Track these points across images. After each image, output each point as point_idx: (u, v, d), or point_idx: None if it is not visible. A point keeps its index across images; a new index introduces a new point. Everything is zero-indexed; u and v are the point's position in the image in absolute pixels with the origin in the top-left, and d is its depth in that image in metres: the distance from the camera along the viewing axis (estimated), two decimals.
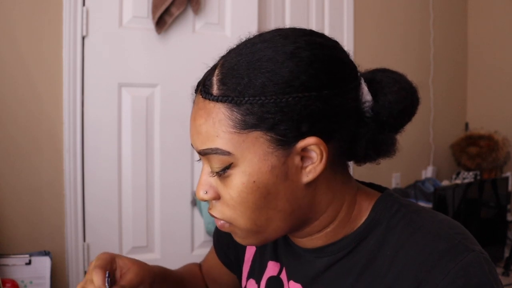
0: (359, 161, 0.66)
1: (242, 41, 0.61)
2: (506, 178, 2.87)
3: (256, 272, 0.76)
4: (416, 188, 2.81)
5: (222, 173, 0.58)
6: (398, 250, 0.59)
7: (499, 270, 2.60)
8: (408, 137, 2.81)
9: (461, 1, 3.45)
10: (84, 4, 1.93)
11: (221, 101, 0.56)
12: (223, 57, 0.60)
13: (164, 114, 2.09)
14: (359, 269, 0.62)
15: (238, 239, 0.64)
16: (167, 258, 2.07)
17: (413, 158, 3.15)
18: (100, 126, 1.99)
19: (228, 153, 0.56)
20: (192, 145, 0.62)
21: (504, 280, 2.50)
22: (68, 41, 1.90)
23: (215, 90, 0.57)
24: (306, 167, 0.58)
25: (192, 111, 0.61)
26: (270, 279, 0.73)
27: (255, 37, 0.61)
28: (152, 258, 2.08)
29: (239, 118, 0.55)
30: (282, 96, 0.55)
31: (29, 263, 1.74)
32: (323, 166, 0.58)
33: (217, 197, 0.61)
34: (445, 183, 2.94)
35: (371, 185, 0.73)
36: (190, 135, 0.61)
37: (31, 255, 1.76)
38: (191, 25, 2.12)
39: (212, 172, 0.59)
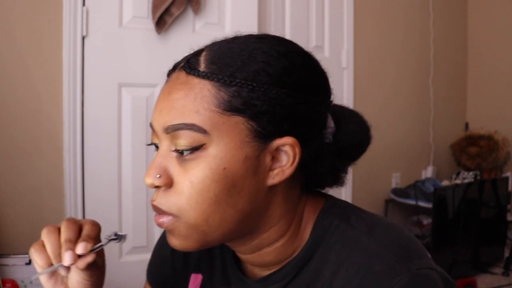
0: (315, 184, 0.64)
1: (229, 36, 0.60)
2: (506, 178, 2.87)
3: None
4: (416, 188, 2.81)
5: (189, 153, 0.54)
6: (336, 271, 0.57)
7: (499, 270, 2.60)
8: (408, 137, 2.84)
9: (461, 1, 3.45)
10: (84, 4, 1.93)
11: (209, 78, 0.54)
12: (208, 45, 0.59)
13: None
14: None
15: (175, 240, 0.58)
16: None
17: (413, 158, 3.15)
18: (100, 126, 1.99)
19: (204, 131, 0.53)
20: (152, 123, 0.57)
21: (504, 280, 2.49)
22: (68, 41, 1.90)
23: (202, 67, 0.55)
24: (274, 169, 0.57)
25: (164, 87, 0.58)
26: None
27: (246, 34, 0.60)
28: None
29: (225, 99, 0.53)
30: (273, 88, 0.54)
31: (29, 263, 1.74)
32: (292, 170, 0.57)
33: (170, 184, 0.55)
34: (445, 183, 2.94)
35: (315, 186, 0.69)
36: (156, 112, 0.56)
37: None
38: (191, 25, 2.12)
39: (176, 151, 0.55)
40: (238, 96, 0.54)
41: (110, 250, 2.23)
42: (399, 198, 2.88)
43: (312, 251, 0.60)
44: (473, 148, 3.09)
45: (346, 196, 2.75)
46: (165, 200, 0.56)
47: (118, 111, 2.02)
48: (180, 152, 0.54)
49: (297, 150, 0.56)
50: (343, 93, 2.72)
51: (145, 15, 2.03)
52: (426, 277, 0.54)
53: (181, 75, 0.56)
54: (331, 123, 0.62)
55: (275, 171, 0.57)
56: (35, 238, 2.00)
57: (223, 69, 0.54)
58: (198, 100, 0.54)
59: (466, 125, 3.44)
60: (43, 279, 0.60)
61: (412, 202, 2.82)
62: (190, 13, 2.09)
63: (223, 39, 0.59)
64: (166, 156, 0.56)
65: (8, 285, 1.65)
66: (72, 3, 1.89)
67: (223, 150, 0.54)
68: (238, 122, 0.54)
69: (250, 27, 2.21)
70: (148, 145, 0.61)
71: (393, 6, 2.97)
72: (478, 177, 3.01)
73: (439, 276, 0.56)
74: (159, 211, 0.57)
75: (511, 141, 3.08)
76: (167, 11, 1.99)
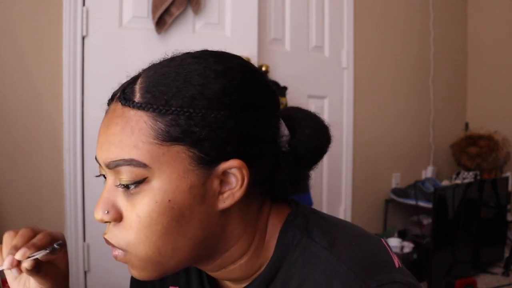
0: (276, 195, 0.62)
1: (167, 57, 0.58)
2: (506, 178, 2.87)
3: None
4: (416, 188, 2.81)
5: (133, 187, 0.53)
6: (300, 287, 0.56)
7: (499, 270, 2.60)
8: (408, 137, 2.84)
9: (461, 1, 3.46)
10: (84, 4, 1.93)
11: (144, 108, 0.52)
12: (145, 70, 0.58)
13: None
14: None
15: (134, 271, 0.57)
16: None
17: (413, 158, 3.15)
18: (100, 126, 1.99)
19: (144, 165, 0.52)
20: (96, 157, 0.56)
21: (504, 280, 2.49)
22: (68, 41, 1.90)
23: (137, 97, 0.53)
24: (223, 192, 0.55)
25: (103, 120, 0.56)
26: None
27: (183, 54, 0.58)
28: None
29: (163, 129, 0.52)
30: (211, 112, 0.52)
31: None
32: (242, 192, 0.55)
33: (119, 219, 0.55)
34: (445, 183, 2.94)
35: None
36: (98, 147, 0.55)
37: None
38: (191, 25, 2.12)
39: (120, 185, 0.54)
40: (176, 124, 0.52)
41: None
42: (399, 198, 2.88)
43: (278, 267, 0.59)
44: (473, 148, 3.10)
45: (346, 196, 2.75)
46: (114, 235, 0.55)
47: None
48: (126, 186, 0.53)
49: (245, 172, 0.54)
50: (343, 93, 2.72)
51: (145, 15, 2.03)
52: None
53: (118, 107, 0.54)
54: (285, 131, 0.60)
55: (225, 195, 0.55)
56: None
57: (158, 98, 0.52)
58: (136, 134, 0.52)
59: (466, 125, 3.44)
60: (9, 278, 0.63)
61: (412, 202, 2.82)
62: (190, 13, 2.09)
63: (160, 61, 0.58)
64: (112, 190, 0.55)
65: (7, 285, 1.65)
66: (72, 3, 1.89)
67: (166, 181, 0.52)
68: (179, 151, 0.52)
69: (250, 27, 2.21)
70: (97, 176, 0.59)
71: (393, 6, 2.97)
72: (478, 177, 3.01)
73: (404, 287, 0.54)
74: (110, 245, 0.57)
75: (511, 141, 3.09)
76: (167, 11, 1.99)
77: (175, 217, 0.53)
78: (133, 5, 2.01)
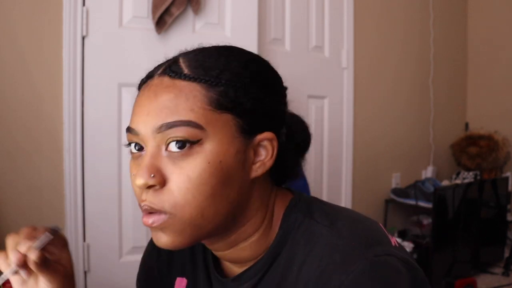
0: (281, 177, 0.69)
1: (195, 48, 0.64)
2: (506, 178, 2.87)
3: None
4: (416, 188, 2.81)
5: (185, 150, 0.56)
6: (301, 266, 0.60)
7: (499, 270, 2.60)
8: (408, 137, 2.84)
9: (461, 1, 3.46)
10: (84, 4, 1.93)
11: (196, 80, 0.57)
12: (180, 54, 0.63)
13: None
14: (275, 286, 0.63)
15: (167, 238, 0.59)
16: None
17: (413, 158, 3.15)
18: (100, 126, 1.99)
19: (200, 127, 0.56)
20: (133, 127, 0.59)
21: (504, 280, 2.49)
22: (68, 41, 1.90)
23: (187, 71, 0.58)
24: (256, 162, 0.61)
25: (144, 93, 0.60)
26: None
27: (213, 46, 0.64)
28: None
29: (215, 98, 0.57)
30: (253, 88, 0.60)
31: None
32: (272, 162, 0.61)
33: (163, 183, 0.57)
34: (445, 183, 2.94)
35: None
36: (140, 115, 0.58)
37: None
38: (191, 25, 2.12)
39: (167, 151, 0.56)
40: (226, 95, 0.58)
41: (110, 250, 2.24)
42: (399, 198, 2.88)
43: (281, 247, 0.63)
44: (473, 148, 3.10)
45: (346, 196, 2.75)
46: (158, 199, 0.57)
47: (118, 111, 2.02)
48: (173, 151, 0.56)
49: (275, 143, 0.61)
50: (343, 93, 2.72)
51: (145, 15, 2.03)
52: (384, 263, 0.56)
53: (165, 79, 0.59)
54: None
55: (257, 165, 0.61)
56: None
57: (208, 72, 0.58)
58: (191, 100, 0.57)
59: (466, 125, 3.44)
60: (16, 286, 0.63)
61: (412, 202, 2.82)
62: (190, 13, 2.09)
63: (192, 49, 0.64)
64: (156, 156, 0.57)
65: (8, 285, 1.65)
66: (72, 3, 1.89)
67: (218, 144, 0.57)
68: (228, 120, 0.58)
69: (250, 27, 2.21)
70: (126, 145, 0.62)
71: (393, 6, 2.97)
72: (478, 177, 3.01)
73: (400, 261, 0.57)
74: (151, 211, 0.58)
75: (511, 141, 3.08)
76: (167, 11, 1.99)
77: (222, 179, 0.57)
78: (133, 5, 2.01)
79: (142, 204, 0.58)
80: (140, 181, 0.56)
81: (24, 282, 0.62)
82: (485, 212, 2.69)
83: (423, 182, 2.87)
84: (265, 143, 0.61)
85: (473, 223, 2.57)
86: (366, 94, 2.82)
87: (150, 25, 2.01)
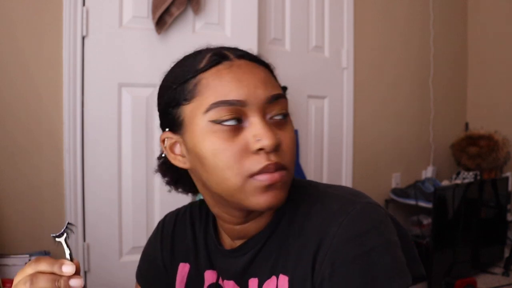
0: None
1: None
2: (506, 178, 2.87)
3: (196, 286, 0.78)
4: (416, 188, 2.81)
5: (284, 117, 0.66)
6: (302, 223, 0.67)
7: (499, 270, 2.60)
8: (408, 137, 2.84)
9: (461, 1, 3.46)
10: (84, 4, 1.93)
11: (267, 67, 0.70)
12: (229, 47, 0.70)
13: None
14: (276, 251, 0.69)
15: (283, 193, 0.65)
16: None
17: (413, 158, 3.15)
18: (100, 126, 1.99)
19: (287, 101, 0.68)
20: (242, 99, 0.63)
21: (504, 280, 2.49)
22: (68, 41, 1.90)
23: (254, 57, 0.69)
24: None
25: (238, 70, 0.65)
26: (210, 286, 0.77)
27: None
28: None
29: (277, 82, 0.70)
30: None
31: None
32: None
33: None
34: (445, 183, 2.94)
35: None
36: (248, 88, 0.64)
37: (31, 255, 1.76)
38: (191, 25, 2.12)
39: (274, 118, 0.65)
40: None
41: (110, 250, 2.23)
42: (399, 198, 2.88)
43: (282, 215, 0.70)
44: (473, 148, 3.09)
45: None
46: (280, 158, 0.64)
47: (118, 111, 2.02)
48: (277, 118, 0.65)
49: None
50: (343, 93, 2.72)
51: (145, 15, 2.03)
52: (375, 207, 0.66)
53: (247, 62, 0.67)
54: None
55: None
56: (35, 238, 2.01)
57: (266, 61, 0.71)
58: (274, 79, 0.69)
59: (466, 125, 3.44)
60: None
61: (412, 202, 2.82)
62: (190, 13, 2.09)
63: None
64: (266, 123, 0.64)
65: (8, 285, 1.65)
66: (72, 3, 1.89)
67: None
68: None
69: (250, 27, 2.21)
70: (225, 121, 0.64)
71: (393, 6, 2.97)
72: (478, 177, 3.01)
73: (382, 209, 0.68)
74: (279, 168, 0.64)
75: (511, 141, 3.08)
76: (167, 11, 1.99)
77: None
78: (133, 5, 2.01)
79: (274, 162, 0.63)
80: (272, 141, 0.62)
81: None
82: (485, 212, 2.69)
83: (423, 182, 2.87)
84: None
85: (473, 223, 2.57)
86: (366, 94, 2.82)
87: (150, 25, 2.01)
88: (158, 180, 2.10)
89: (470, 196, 2.55)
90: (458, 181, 2.92)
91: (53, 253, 1.84)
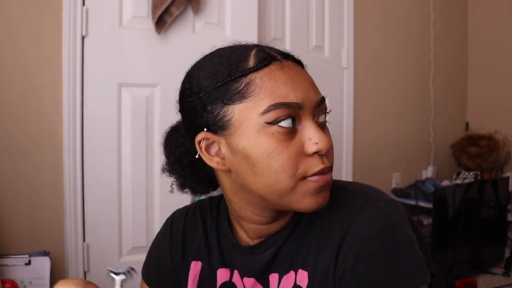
0: None
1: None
2: (507, 178, 2.86)
3: (207, 286, 0.77)
4: (417, 188, 2.81)
5: (325, 120, 0.68)
6: (324, 218, 0.68)
7: (499, 270, 2.60)
8: (408, 137, 2.84)
9: (461, 1, 3.45)
10: (84, 4, 1.93)
11: (305, 70, 0.70)
12: (268, 46, 0.71)
13: (164, 114, 2.09)
14: (297, 247, 0.70)
15: (328, 193, 0.66)
16: None
17: (413, 158, 3.14)
18: (100, 126, 1.99)
19: None
20: (298, 102, 0.64)
21: (504, 281, 2.49)
22: (68, 41, 1.90)
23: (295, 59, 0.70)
24: None
25: (290, 72, 0.66)
26: (223, 285, 0.76)
27: None
28: None
29: None
30: None
31: (28, 263, 1.74)
32: None
33: None
34: (446, 183, 2.94)
35: None
36: (302, 90, 0.64)
37: (30, 255, 1.76)
38: (191, 25, 2.12)
39: (319, 120, 0.67)
40: None
41: (110, 250, 2.23)
42: (399, 198, 2.88)
43: (302, 214, 0.70)
44: (473, 148, 3.09)
45: None
46: (330, 160, 0.66)
47: (118, 111, 2.02)
48: (322, 120, 0.67)
49: None
50: (343, 93, 2.72)
51: (145, 15, 2.02)
52: (396, 205, 0.69)
53: (291, 63, 0.68)
54: None
55: None
56: (34, 238, 2.01)
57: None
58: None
59: (467, 125, 3.44)
60: None
61: (412, 202, 2.82)
62: (190, 13, 2.09)
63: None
64: (318, 125, 0.66)
65: (7, 285, 1.65)
66: (72, 3, 1.89)
67: None
68: None
69: (250, 27, 2.21)
70: (283, 122, 0.63)
71: (393, 6, 2.97)
72: (479, 177, 3.01)
73: (403, 208, 0.70)
74: (331, 170, 0.66)
75: (511, 141, 3.08)
76: (167, 11, 1.99)
77: None
78: (133, 5, 2.01)
79: (327, 165, 0.65)
80: (329, 144, 0.64)
81: None
82: (485, 212, 2.69)
83: (423, 182, 2.86)
84: None
85: (474, 223, 2.57)
86: (366, 94, 2.82)
87: (150, 25, 2.01)
88: (158, 180, 2.10)
89: (471, 196, 2.55)
90: (459, 181, 2.92)
91: (53, 253, 1.84)
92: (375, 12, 2.87)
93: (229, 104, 0.63)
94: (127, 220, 2.05)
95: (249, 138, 0.63)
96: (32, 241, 1.86)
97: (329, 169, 0.65)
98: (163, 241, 0.85)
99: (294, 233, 0.71)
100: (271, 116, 0.62)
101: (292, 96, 0.63)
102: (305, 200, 0.64)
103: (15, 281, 1.68)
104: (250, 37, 2.21)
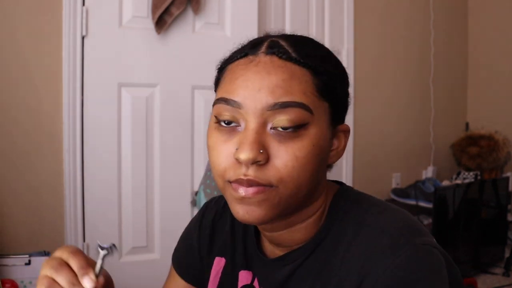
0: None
1: (284, 32, 0.67)
2: (507, 178, 2.86)
3: (229, 284, 0.75)
4: (417, 188, 2.81)
5: (292, 130, 0.58)
6: (347, 248, 0.62)
7: (500, 270, 2.59)
8: (408, 137, 2.85)
9: (462, 1, 3.45)
10: (84, 4, 1.93)
11: (305, 66, 0.60)
12: (280, 35, 0.65)
13: (164, 114, 2.09)
14: (317, 270, 0.64)
15: (260, 211, 0.59)
16: (166, 258, 2.06)
17: (414, 158, 3.14)
18: (100, 126, 1.99)
19: (310, 111, 0.59)
20: (239, 101, 0.58)
21: (504, 281, 2.49)
22: (68, 41, 1.90)
23: (295, 55, 0.60)
24: (332, 150, 0.65)
25: (254, 69, 0.59)
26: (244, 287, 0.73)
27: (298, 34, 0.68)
28: (152, 258, 2.08)
29: (320, 85, 0.60)
30: (342, 81, 0.65)
31: (28, 263, 1.74)
32: (343, 152, 0.66)
33: (267, 159, 0.58)
34: (446, 183, 2.94)
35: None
36: (250, 90, 0.58)
37: (30, 255, 1.76)
38: (191, 25, 2.12)
39: (274, 129, 0.58)
40: (327, 84, 0.61)
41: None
42: (400, 198, 2.88)
43: (327, 232, 0.65)
44: (473, 148, 3.09)
45: None
46: (262, 174, 0.58)
47: (118, 111, 2.02)
48: (280, 129, 0.58)
49: (348, 135, 0.66)
50: None
51: (145, 15, 2.02)
52: (430, 251, 0.59)
53: (274, 59, 0.60)
54: None
55: (332, 153, 0.65)
56: (34, 238, 2.01)
57: (315, 60, 0.61)
58: (303, 84, 0.59)
59: (467, 125, 3.44)
60: None
61: (412, 202, 2.81)
62: (190, 13, 2.09)
63: (283, 33, 0.66)
64: (261, 133, 0.58)
65: (7, 285, 1.65)
66: (72, 3, 1.89)
67: (321, 129, 0.60)
68: (326, 108, 0.61)
69: (250, 27, 2.21)
70: (220, 121, 0.61)
71: (394, 6, 2.97)
72: (479, 177, 3.01)
73: (441, 254, 0.61)
74: (253, 184, 0.58)
75: (511, 141, 3.08)
76: (167, 11, 1.99)
77: (321, 161, 0.61)
78: (133, 5, 2.01)
79: (247, 178, 0.58)
80: (248, 155, 0.57)
81: None
82: (485, 212, 2.69)
83: (423, 182, 2.86)
84: (340, 133, 0.65)
85: (474, 223, 2.57)
86: (366, 94, 2.82)
87: (150, 25, 2.01)
88: (158, 181, 2.10)
89: (471, 196, 2.55)
90: (459, 181, 2.92)
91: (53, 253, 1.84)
92: (375, 12, 2.87)
93: (215, 92, 0.65)
94: (127, 220, 2.05)
95: (209, 128, 0.64)
96: (32, 241, 1.86)
97: (255, 184, 0.58)
98: (194, 229, 0.82)
99: (316, 253, 0.65)
100: (214, 110, 0.61)
101: (234, 93, 0.59)
102: (232, 206, 0.61)
103: (15, 281, 1.68)
104: (250, 37, 2.21)
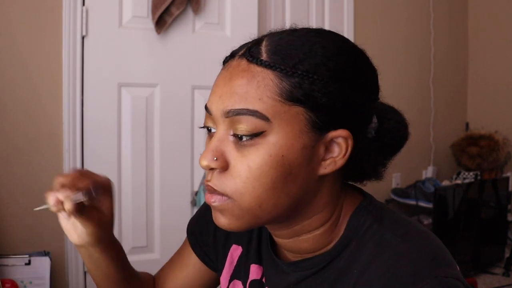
0: (356, 177, 0.67)
1: (286, 28, 0.62)
2: (507, 178, 2.86)
3: (242, 274, 0.74)
4: (417, 188, 2.81)
5: (248, 139, 0.55)
6: (364, 270, 0.58)
7: (500, 270, 2.59)
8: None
9: (461, 1, 3.45)
10: (84, 4, 1.93)
11: (271, 67, 0.56)
12: (267, 35, 0.62)
13: (164, 114, 2.09)
14: (328, 285, 0.61)
15: (224, 220, 0.59)
16: (167, 258, 2.06)
17: (414, 158, 3.14)
18: (100, 126, 1.99)
19: (266, 119, 0.55)
20: (209, 107, 0.58)
21: (504, 281, 2.49)
22: (68, 41, 1.90)
23: (265, 57, 0.57)
24: (326, 159, 0.59)
25: (223, 73, 0.59)
26: (253, 282, 0.72)
27: (303, 28, 0.62)
28: (152, 258, 2.08)
29: (287, 89, 0.55)
30: (332, 82, 0.56)
31: (28, 263, 1.74)
32: (343, 161, 0.59)
33: (225, 167, 0.57)
34: (446, 183, 2.94)
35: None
36: (215, 96, 0.58)
37: (30, 255, 1.75)
38: (191, 25, 2.12)
39: (233, 136, 0.56)
40: (300, 87, 0.55)
41: None
42: (400, 198, 2.88)
43: (344, 246, 0.61)
44: (473, 148, 3.09)
45: None
46: (220, 182, 0.57)
47: (118, 111, 2.02)
48: (239, 137, 0.56)
49: (350, 142, 0.58)
50: None
51: (145, 15, 2.02)
52: (451, 285, 0.55)
53: (242, 62, 0.57)
54: (374, 119, 0.64)
55: (327, 162, 0.59)
56: (34, 238, 2.01)
57: (286, 60, 0.56)
58: (261, 88, 0.55)
59: (467, 125, 3.44)
60: (61, 219, 0.73)
61: (412, 202, 2.81)
62: (190, 13, 2.09)
63: (281, 30, 0.62)
64: (222, 140, 0.57)
65: (7, 285, 1.65)
66: (72, 3, 1.89)
67: (283, 138, 0.55)
68: (298, 113, 0.55)
69: (250, 27, 2.21)
70: (201, 127, 0.62)
71: (393, 5, 2.97)
72: (479, 177, 3.01)
73: (464, 286, 0.56)
74: (212, 191, 0.58)
75: (511, 141, 3.08)
76: (167, 11, 1.99)
77: (283, 173, 0.56)
78: (133, 5, 2.01)
79: (206, 183, 0.59)
80: (203, 162, 0.57)
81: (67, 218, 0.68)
82: (485, 212, 2.69)
83: (423, 182, 2.86)
84: (340, 140, 0.58)
85: (474, 223, 2.57)
86: None
87: (150, 25, 2.01)
88: (158, 180, 2.10)
89: (471, 196, 2.55)
90: (459, 181, 2.92)
91: (53, 253, 1.84)
92: (375, 12, 2.87)
93: None
94: (127, 220, 2.05)
95: None
96: (32, 241, 1.86)
97: (213, 191, 0.58)
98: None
99: (328, 268, 0.62)
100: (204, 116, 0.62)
101: (208, 100, 0.59)
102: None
103: (15, 281, 1.68)
104: (250, 37, 2.21)
